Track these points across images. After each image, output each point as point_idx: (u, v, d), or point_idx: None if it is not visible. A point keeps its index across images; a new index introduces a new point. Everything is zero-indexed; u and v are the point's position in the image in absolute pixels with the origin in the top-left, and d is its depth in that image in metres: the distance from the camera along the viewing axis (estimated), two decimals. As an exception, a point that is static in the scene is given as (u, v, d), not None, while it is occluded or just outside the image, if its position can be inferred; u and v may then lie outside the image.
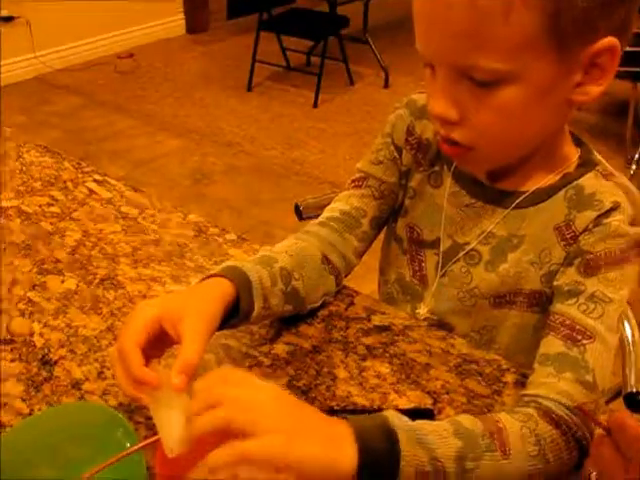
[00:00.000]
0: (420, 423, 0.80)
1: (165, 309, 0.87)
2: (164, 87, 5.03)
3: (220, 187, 3.80)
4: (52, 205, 1.52)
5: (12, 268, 1.30)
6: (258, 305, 1.00)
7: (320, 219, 1.24)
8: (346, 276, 1.22)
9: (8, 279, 1.26)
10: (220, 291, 0.94)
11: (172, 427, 0.78)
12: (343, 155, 4.12)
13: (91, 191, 1.56)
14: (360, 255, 1.24)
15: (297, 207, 1.59)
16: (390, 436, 0.75)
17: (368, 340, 1.15)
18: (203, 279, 0.98)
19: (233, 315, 0.97)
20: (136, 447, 0.79)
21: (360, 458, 0.73)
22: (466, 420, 0.83)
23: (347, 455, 0.73)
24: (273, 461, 0.67)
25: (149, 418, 0.97)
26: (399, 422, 0.78)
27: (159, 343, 0.88)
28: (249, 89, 4.97)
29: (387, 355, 1.12)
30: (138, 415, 0.98)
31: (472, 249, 1.13)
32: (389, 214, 1.26)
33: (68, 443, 0.86)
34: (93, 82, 5.05)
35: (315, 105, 4.75)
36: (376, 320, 1.20)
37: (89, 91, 4.91)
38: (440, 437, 0.75)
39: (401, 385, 1.06)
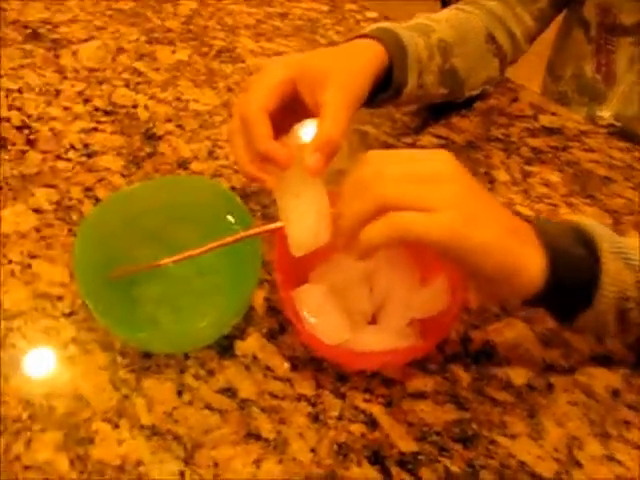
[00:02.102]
0: (620, 237, 0.58)
1: (304, 69, 0.66)
2: None
3: None
4: (166, -27, 1.31)
5: (117, 36, 1.12)
6: (412, 79, 0.78)
7: (488, -12, 0.98)
8: (512, 63, 0.98)
9: (113, 47, 1.09)
10: (371, 55, 0.72)
11: (301, 219, 0.58)
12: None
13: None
14: (531, 39, 0.98)
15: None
16: (587, 242, 0.54)
17: (535, 142, 0.92)
18: (349, 39, 0.76)
19: (381, 89, 0.76)
20: (252, 231, 0.62)
21: (550, 263, 0.53)
22: None
23: (533, 255, 0.53)
24: (447, 244, 0.48)
25: (266, 207, 0.80)
26: (598, 229, 0.57)
27: (291, 114, 0.69)
28: None
29: (557, 162, 0.90)
30: (254, 202, 0.82)
31: None
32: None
33: (169, 221, 0.70)
34: None
35: None
36: (544, 121, 0.97)
37: None
38: None
39: (574, 198, 0.84)
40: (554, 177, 0.87)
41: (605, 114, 0.97)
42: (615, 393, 0.64)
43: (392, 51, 0.74)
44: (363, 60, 0.69)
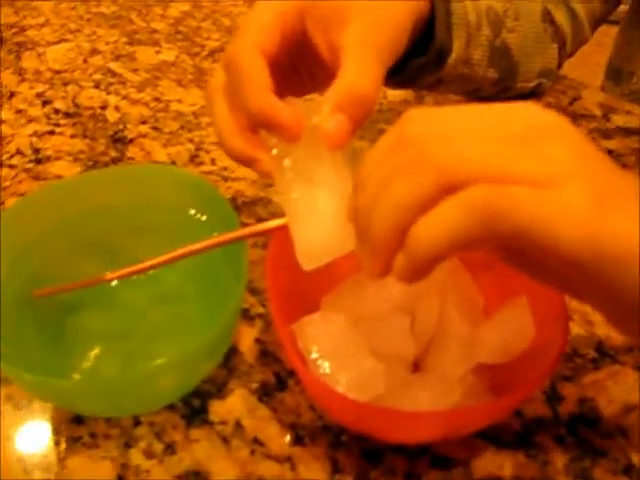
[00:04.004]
0: None
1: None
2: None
3: None
4: (156, -21, 1.15)
5: (93, 38, 0.94)
6: (459, 43, 0.58)
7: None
8: (571, 54, 0.78)
9: (86, 49, 0.91)
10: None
11: (315, 215, 0.37)
12: None
13: (208, -33, 1.17)
14: (596, 23, 0.78)
15: None
16: None
17: (611, 144, 0.72)
18: None
19: (418, 52, 0.55)
20: (237, 233, 0.41)
21: None
22: None
23: None
24: (582, 245, 0.26)
25: (265, 220, 0.59)
26: None
27: (294, 71, 0.48)
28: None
29: (645, 166, 0.69)
30: (246, 215, 0.61)
31: None
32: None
33: (120, 224, 0.49)
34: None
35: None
36: (619, 120, 0.76)
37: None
38: None
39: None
40: (643, 184, 0.66)
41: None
42: None
43: (435, 2, 0.54)
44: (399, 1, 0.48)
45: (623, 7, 0.83)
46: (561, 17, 0.73)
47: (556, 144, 0.29)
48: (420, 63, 0.56)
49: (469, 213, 0.27)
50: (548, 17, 0.72)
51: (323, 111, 0.39)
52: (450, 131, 0.30)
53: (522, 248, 0.29)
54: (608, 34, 0.92)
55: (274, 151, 0.40)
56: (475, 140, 0.29)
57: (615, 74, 0.91)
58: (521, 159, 0.28)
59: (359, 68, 0.41)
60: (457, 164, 0.28)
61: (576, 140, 0.29)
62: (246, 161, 0.42)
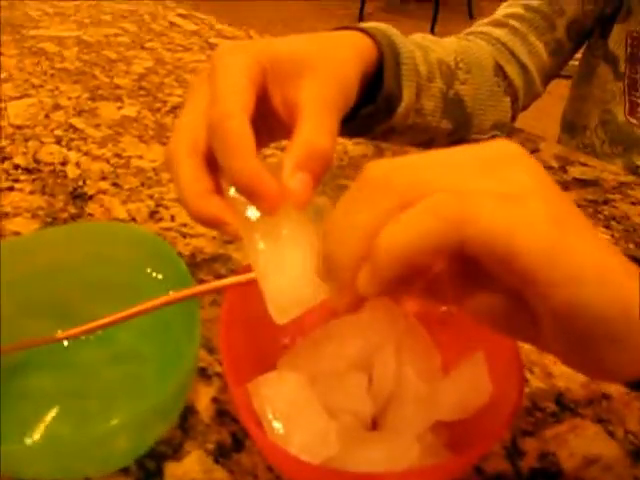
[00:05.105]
0: None
1: (272, 56, 0.44)
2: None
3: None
4: (121, 35, 1.16)
5: (56, 93, 0.94)
6: (409, 92, 0.59)
7: (494, 16, 0.81)
8: (525, 107, 0.80)
9: (49, 104, 0.91)
10: (360, 46, 0.52)
11: (285, 269, 0.37)
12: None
13: (172, 24, 1.19)
14: (547, 78, 0.81)
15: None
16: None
17: (570, 196, 0.72)
18: (332, 29, 0.55)
19: (367, 100, 0.56)
20: (196, 289, 0.41)
21: None
22: None
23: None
24: (541, 258, 0.26)
25: (224, 277, 0.59)
26: None
27: (257, 117, 0.47)
28: (360, 19, 4.48)
29: (601, 217, 0.70)
30: (205, 272, 0.60)
31: None
32: (594, 21, 0.82)
33: (71, 283, 0.49)
34: None
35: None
36: (575, 172, 0.78)
37: None
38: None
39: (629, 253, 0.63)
40: (601, 235, 0.67)
41: (648, 164, 0.78)
42: None
43: (384, 49, 0.55)
44: (351, 49, 0.49)
45: (572, 63, 0.85)
46: (512, 72, 0.75)
47: (517, 169, 0.29)
48: (369, 111, 0.56)
49: (435, 216, 0.27)
50: (500, 72, 0.74)
51: (285, 171, 0.39)
52: (414, 162, 0.30)
53: (482, 258, 0.28)
54: (551, 92, 0.94)
55: (232, 192, 0.40)
56: (438, 166, 0.30)
57: (569, 127, 0.93)
58: (485, 179, 0.29)
59: (315, 125, 0.41)
60: (421, 186, 0.29)
61: (535, 166, 0.30)
62: (213, 224, 0.42)
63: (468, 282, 0.32)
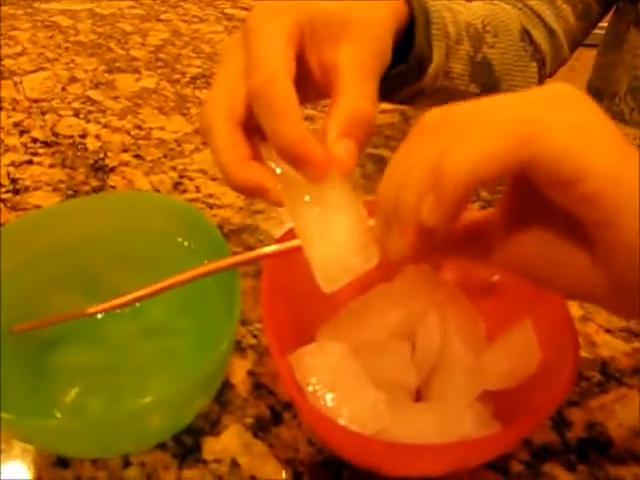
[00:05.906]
0: None
1: (313, 14, 0.42)
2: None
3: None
4: (135, 8, 1.14)
5: (72, 66, 0.92)
6: (439, 53, 0.57)
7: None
8: (552, 74, 0.77)
9: (65, 77, 0.89)
10: (392, 3, 0.49)
11: (332, 236, 0.36)
12: None
13: (187, -6, 1.17)
14: (576, 43, 0.78)
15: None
16: None
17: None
18: None
19: (396, 59, 0.54)
20: (234, 259, 0.39)
21: None
22: None
23: None
24: (605, 185, 0.27)
25: (254, 248, 0.58)
26: None
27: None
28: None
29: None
30: (235, 243, 0.59)
31: None
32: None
33: (103, 256, 0.47)
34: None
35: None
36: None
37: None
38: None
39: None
40: None
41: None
42: None
43: (415, 7, 0.53)
44: (386, 7, 0.47)
45: (597, 31, 0.83)
46: (539, 36, 0.73)
47: (579, 105, 0.29)
48: (401, 71, 0.55)
49: (503, 135, 0.27)
50: (527, 36, 0.72)
51: (330, 137, 0.38)
52: (472, 103, 0.31)
53: (546, 179, 0.28)
54: (578, 58, 0.92)
55: (277, 170, 0.38)
56: (500, 102, 0.30)
57: (596, 95, 0.91)
58: (548, 110, 0.28)
59: (357, 90, 0.40)
60: (481, 118, 0.29)
61: (594, 104, 0.30)
62: (254, 192, 0.40)
63: (520, 220, 0.31)
